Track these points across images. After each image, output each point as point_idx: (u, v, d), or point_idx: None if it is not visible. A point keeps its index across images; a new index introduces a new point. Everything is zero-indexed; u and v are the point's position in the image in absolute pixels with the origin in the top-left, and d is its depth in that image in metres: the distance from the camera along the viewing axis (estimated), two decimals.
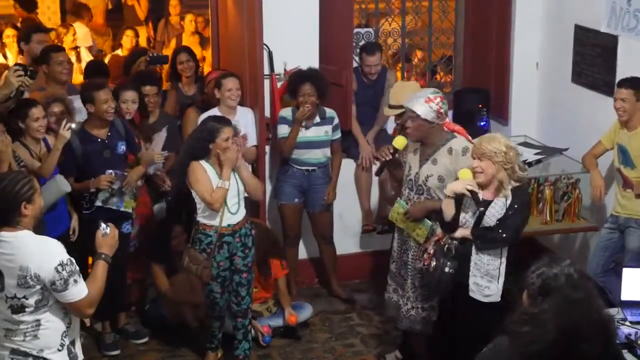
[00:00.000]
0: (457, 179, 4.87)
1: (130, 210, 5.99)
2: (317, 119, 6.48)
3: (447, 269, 4.76)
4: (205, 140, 5.45)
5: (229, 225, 5.53)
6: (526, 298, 3.42)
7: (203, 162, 5.48)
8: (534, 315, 3.31)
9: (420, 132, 5.10)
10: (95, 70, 7.25)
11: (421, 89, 5.88)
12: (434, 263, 4.83)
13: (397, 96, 5.95)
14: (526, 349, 3.26)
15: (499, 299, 4.74)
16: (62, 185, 5.59)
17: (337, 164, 6.67)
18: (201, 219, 5.55)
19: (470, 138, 5.22)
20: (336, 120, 6.56)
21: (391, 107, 6.02)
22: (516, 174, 4.71)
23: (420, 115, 5.04)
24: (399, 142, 5.13)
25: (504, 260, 4.74)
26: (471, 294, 4.81)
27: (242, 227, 5.60)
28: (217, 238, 5.51)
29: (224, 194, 5.41)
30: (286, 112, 6.49)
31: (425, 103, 5.04)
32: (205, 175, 5.45)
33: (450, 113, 7.41)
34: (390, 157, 5.13)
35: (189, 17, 10.16)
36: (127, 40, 9.38)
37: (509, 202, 4.68)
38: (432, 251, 4.92)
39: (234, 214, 5.53)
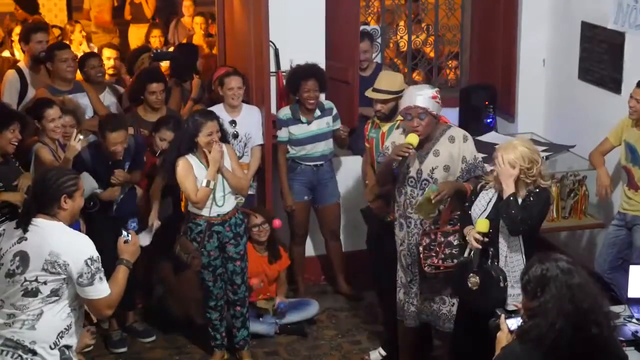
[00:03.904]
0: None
1: None
2: (318, 112, 6.50)
3: (501, 284, 4.59)
4: (189, 134, 5.51)
5: (218, 215, 5.60)
6: (525, 300, 3.41)
7: (189, 157, 5.53)
8: (536, 308, 3.31)
9: (429, 128, 5.14)
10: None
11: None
12: (475, 279, 4.67)
13: (385, 82, 5.86)
14: (539, 345, 3.25)
15: None
16: (91, 182, 5.61)
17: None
18: (192, 208, 5.62)
19: None
20: (335, 111, 6.57)
21: (376, 90, 5.79)
22: (529, 185, 4.65)
23: (432, 112, 5.09)
24: (413, 139, 5.10)
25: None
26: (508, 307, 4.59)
27: (232, 217, 5.65)
28: (207, 227, 5.58)
29: (208, 194, 5.50)
30: (283, 113, 6.50)
31: (432, 99, 5.09)
32: (191, 172, 5.50)
33: (456, 110, 7.50)
34: (409, 153, 5.10)
35: (197, 20, 10.05)
36: (156, 40, 9.09)
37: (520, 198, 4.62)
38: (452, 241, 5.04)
39: (221, 206, 5.59)
